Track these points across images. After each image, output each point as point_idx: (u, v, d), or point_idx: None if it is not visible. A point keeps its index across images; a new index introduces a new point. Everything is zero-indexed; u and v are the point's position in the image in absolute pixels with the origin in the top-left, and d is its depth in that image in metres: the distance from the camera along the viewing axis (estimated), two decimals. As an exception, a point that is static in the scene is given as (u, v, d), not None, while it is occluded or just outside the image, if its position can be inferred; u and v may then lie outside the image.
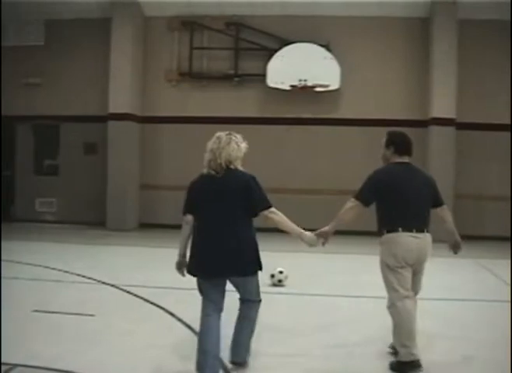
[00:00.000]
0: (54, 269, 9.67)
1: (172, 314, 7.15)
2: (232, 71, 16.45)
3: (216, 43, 16.63)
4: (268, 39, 16.24)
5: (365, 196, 5.70)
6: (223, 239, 5.01)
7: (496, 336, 6.52)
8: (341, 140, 16.16)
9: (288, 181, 16.15)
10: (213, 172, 5.10)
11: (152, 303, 7.69)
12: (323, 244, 5.61)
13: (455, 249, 5.97)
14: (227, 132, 5.26)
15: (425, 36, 15.90)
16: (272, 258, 11.26)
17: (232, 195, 5.05)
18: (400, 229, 5.51)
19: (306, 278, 9.71)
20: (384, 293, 5.71)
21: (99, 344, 5.94)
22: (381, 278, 5.71)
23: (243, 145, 5.24)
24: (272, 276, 9.01)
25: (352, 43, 16.07)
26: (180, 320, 6.88)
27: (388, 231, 5.60)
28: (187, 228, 5.22)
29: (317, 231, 5.55)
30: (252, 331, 5.42)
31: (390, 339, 5.76)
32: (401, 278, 5.54)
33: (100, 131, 16.34)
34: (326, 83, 15.58)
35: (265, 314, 7.42)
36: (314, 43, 15.74)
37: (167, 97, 16.79)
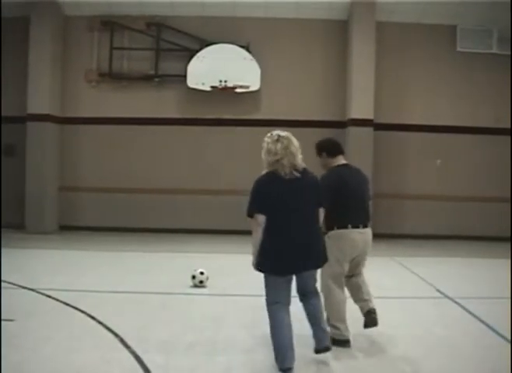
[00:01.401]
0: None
1: (92, 317, 7.10)
2: (152, 72, 16.40)
3: (137, 44, 16.53)
4: (188, 40, 16.26)
5: (327, 203, 5.90)
6: (301, 236, 5.30)
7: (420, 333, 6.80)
8: (261, 141, 16.20)
9: (208, 182, 16.15)
10: (291, 174, 5.37)
11: (72, 307, 7.61)
12: None
13: None
14: (281, 131, 5.84)
15: (343, 38, 16.23)
16: (193, 259, 11.34)
17: (308, 193, 5.42)
18: (349, 226, 6.17)
19: (228, 279, 9.76)
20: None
21: (20, 349, 5.86)
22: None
23: None
24: (193, 277, 9.05)
25: (272, 45, 16.28)
26: (100, 323, 6.85)
27: (339, 227, 6.18)
28: (260, 231, 5.28)
29: None
30: (322, 316, 5.72)
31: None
32: (341, 271, 6.22)
33: (19, 132, 15.96)
34: (246, 84, 15.72)
35: (187, 315, 7.49)
36: (234, 44, 15.87)
37: (87, 98, 16.55)
